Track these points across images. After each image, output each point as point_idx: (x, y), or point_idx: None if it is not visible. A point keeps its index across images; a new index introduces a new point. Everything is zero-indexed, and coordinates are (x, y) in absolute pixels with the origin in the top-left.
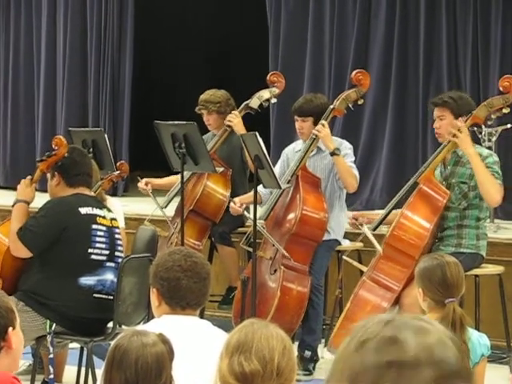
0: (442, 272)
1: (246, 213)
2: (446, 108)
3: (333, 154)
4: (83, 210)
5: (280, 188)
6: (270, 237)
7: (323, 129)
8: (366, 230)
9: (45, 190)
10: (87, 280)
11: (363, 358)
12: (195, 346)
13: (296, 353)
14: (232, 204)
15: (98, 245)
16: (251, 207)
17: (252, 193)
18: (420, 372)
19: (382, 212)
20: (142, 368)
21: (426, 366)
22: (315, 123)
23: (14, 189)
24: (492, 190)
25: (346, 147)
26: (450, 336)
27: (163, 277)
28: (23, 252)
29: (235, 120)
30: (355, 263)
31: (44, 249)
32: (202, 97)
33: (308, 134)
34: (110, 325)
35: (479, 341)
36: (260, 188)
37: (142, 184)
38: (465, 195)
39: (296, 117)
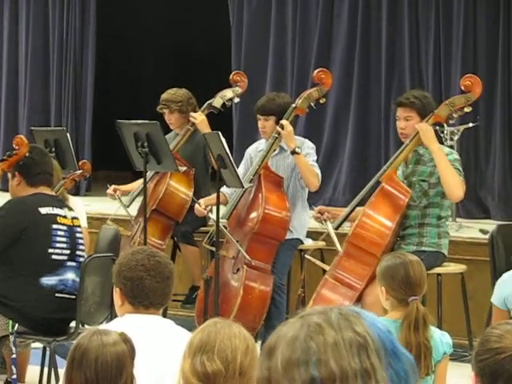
0: (404, 270)
1: (210, 215)
2: (413, 109)
3: (293, 152)
4: (43, 210)
5: (243, 187)
6: (231, 237)
7: (286, 127)
8: (330, 228)
9: (6, 190)
10: (48, 280)
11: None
12: (158, 346)
13: (259, 352)
14: (197, 205)
15: (58, 244)
16: (214, 207)
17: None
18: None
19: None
20: (102, 367)
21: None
22: (277, 122)
23: None
24: (454, 186)
25: (309, 146)
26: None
27: (126, 276)
28: None
29: (199, 118)
30: (318, 262)
31: (3, 247)
32: (164, 96)
33: (270, 132)
34: (73, 324)
35: (441, 339)
36: (224, 188)
37: (110, 190)
38: (425, 193)
39: (258, 115)
